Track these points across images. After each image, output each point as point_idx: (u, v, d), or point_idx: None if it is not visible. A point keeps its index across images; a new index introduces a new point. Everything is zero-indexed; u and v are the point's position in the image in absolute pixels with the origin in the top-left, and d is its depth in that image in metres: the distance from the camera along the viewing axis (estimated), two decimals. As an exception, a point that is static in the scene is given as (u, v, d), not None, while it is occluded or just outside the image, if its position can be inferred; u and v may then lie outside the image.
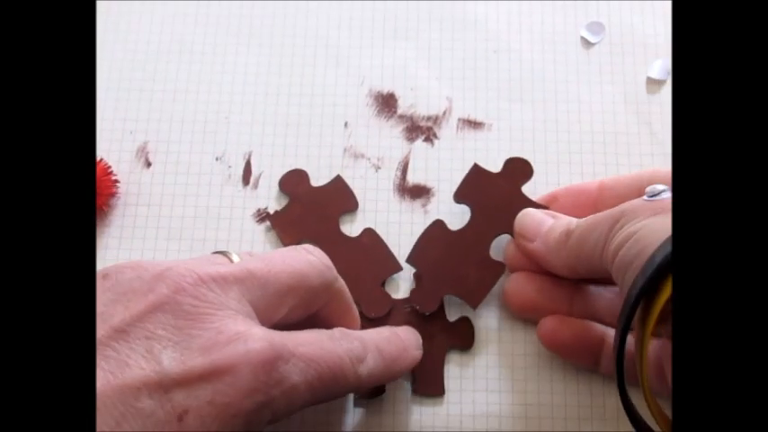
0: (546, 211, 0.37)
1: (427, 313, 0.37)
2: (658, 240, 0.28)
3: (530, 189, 0.40)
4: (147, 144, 0.42)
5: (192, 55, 0.44)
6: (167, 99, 0.43)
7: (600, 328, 0.35)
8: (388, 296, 0.38)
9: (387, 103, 0.43)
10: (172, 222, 0.40)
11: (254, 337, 0.26)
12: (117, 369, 0.24)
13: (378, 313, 0.37)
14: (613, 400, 0.36)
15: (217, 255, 0.30)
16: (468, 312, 0.38)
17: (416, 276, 0.38)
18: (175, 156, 0.42)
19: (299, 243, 0.36)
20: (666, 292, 0.27)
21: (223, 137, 0.42)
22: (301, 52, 0.44)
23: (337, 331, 0.30)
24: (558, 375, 0.37)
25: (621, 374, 0.29)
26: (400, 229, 0.40)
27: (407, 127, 0.42)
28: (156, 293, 0.26)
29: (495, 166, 0.40)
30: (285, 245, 0.38)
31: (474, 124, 0.42)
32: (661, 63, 0.44)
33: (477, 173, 0.40)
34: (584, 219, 0.34)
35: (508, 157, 0.40)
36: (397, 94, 0.43)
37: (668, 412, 0.30)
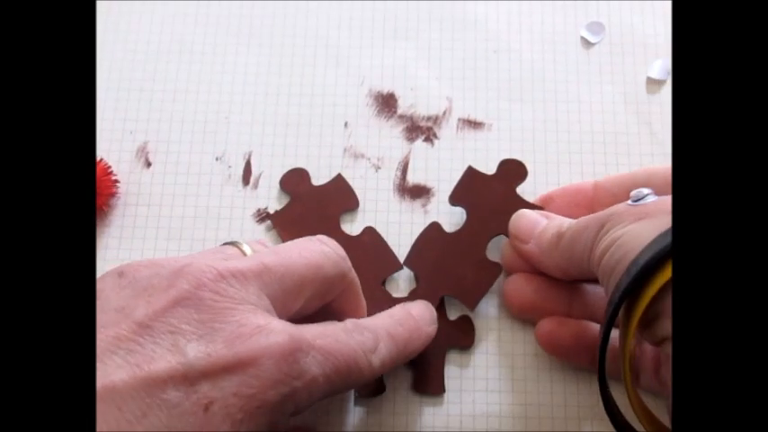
0: (540, 212, 0.37)
1: (427, 313, 0.37)
2: (640, 246, 0.28)
3: (530, 189, 0.40)
4: (147, 144, 0.42)
5: (192, 55, 0.44)
6: (167, 99, 0.43)
7: (598, 328, 0.35)
8: (389, 295, 0.38)
9: (387, 103, 0.43)
10: (172, 222, 0.40)
11: (275, 330, 0.27)
12: (143, 362, 0.24)
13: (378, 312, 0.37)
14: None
15: (227, 246, 0.30)
16: (467, 312, 0.38)
17: (416, 277, 0.38)
18: (175, 156, 0.42)
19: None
20: (648, 295, 0.27)
21: (223, 137, 0.42)
22: (301, 52, 0.44)
23: (349, 323, 0.31)
24: (558, 375, 0.37)
25: (603, 373, 0.29)
26: (400, 229, 0.40)
27: (407, 127, 0.42)
28: (178, 289, 0.27)
29: (494, 165, 0.40)
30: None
31: (474, 124, 0.42)
32: (661, 63, 0.44)
33: (471, 175, 0.40)
34: (575, 221, 0.34)
35: (508, 157, 0.40)
36: (397, 94, 0.43)
37: (655, 412, 0.30)
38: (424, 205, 0.41)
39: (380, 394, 0.36)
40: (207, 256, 0.29)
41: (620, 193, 0.35)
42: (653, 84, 0.43)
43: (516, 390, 0.36)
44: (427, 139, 0.42)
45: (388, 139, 0.42)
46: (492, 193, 0.39)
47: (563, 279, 0.36)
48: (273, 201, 0.41)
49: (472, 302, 0.37)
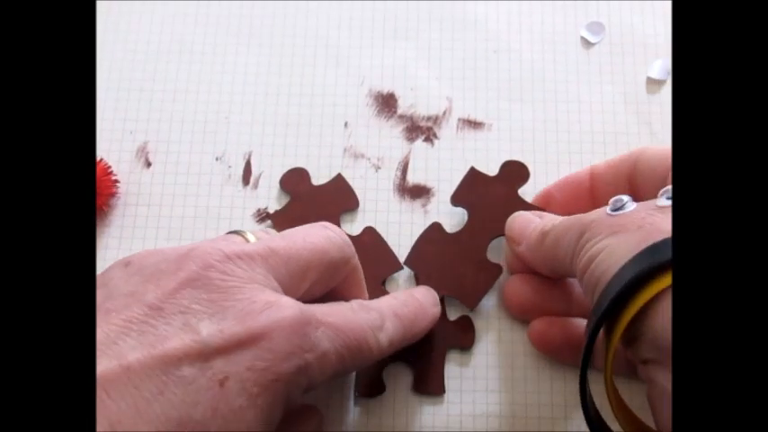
0: (535, 212, 0.37)
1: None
2: (616, 265, 0.27)
3: (530, 190, 0.40)
4: (147, 144, 0.42)
5: (192, 55, 0.44)
6: (167, 99, 0.43)
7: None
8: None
9: (387, 103, 0.43)
10: (172, 222, 0.40)
11: (285, 305, 0.27)
12: (156, 342, 0.25)
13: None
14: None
15: (232, 234, 0.30)
16: (467, 312, 0.38)
17: (416, 277, 0.38)
18: (175, 156, 0.42)
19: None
20: (625, 320, 0.27)
21: (223, 137, 0.42)
22: (301, 52, 0.45)
23: (355, 303, 0.31)
24: (558, 375, 0.37)
25: (585, 386, 0.29)
26: (400, 229, 0.40)
27: (407, 127, 0.42)
28: (186, 270, 0.27)
29: (494, 165, 0.40)
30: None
31: (474, 124, 0.42)
32: (661, 63, 0.44)
33: (473, 176, 0.40)
34: (559, 221, 0.34)
35: (508, 157, 0.41)
36: (397, 94, 0.43)
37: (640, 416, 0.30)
38: (423, 205, 0.41)
39: (380, 394, 0.36)
40: (213, 242, 0.29)
41: (615, 178, 0.35)
42: (653, 84, 0.43)
43: (516, 390, 0.36)
44: (427, 139, 0.42)
45: (388, 139, 0.42)
46: (494, 195, 0.39)
47: (554, 277, 0.36)
48: (273, 201, 0.41)
49: (472, 302, 0.37)
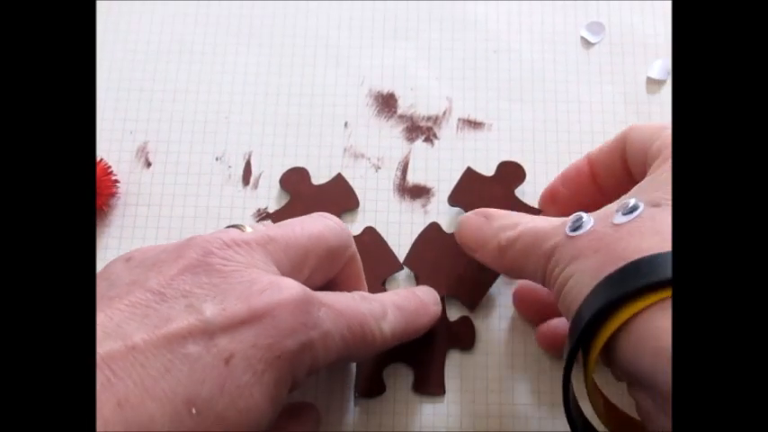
0: (479, 213, 0.35)
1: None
2: (581, 295, 0.27)
3: (530, 189, 0.40)
4: (147, 144, 0.42)
5: (192, 55, 0.44)
6: (167, 99, 0.43)
7: None
8: (389, 296, 0.38)
9: (387, 103, 0.43)
10: (172, 222, 0.40)
11: (287, 285, 0.28)
12: (160, 323, 0.25)
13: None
14: (614, 401, 0.36)
15: (231, 228, 0.30)
16: (467, 312, 0.38)
17: (416, 277, 0.38)
18: (175, 156, 0.42)
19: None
20: (597, 347, 0.27)
21: (223, 137, 0.42)
22: (301, 52, 0.45)
23: (357, 294, 0.32)
24: (559, 375, 0.36)
25: (568, 400, 0.29)
26: (400, 229, 0.40)
27: (407, 127, 0.42)
28: (187, 258, 0.27)
29: (494, 165, 0.40)
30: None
31: (474, 124, 0.42)
32: (661, 63, 0.44)
33: (470, 176, 0.40)
34: (515, 234, 0.32)
35: (508, 157, 0.41)
36: (397, 94, 0.43)
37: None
38: (423, 205, 0.41)
39: (380, 394, 0.36)
40: (212, 233, 0.29)
41: (611, 162, 0.35)
42: (653, 84, 0.43)
43: (516, 390, 0.36)
44: (427, 139, 0.42)
45: (388, 139, 0.42)
46: (490, 195, 0.39)
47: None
48: (273, 200, 0.41)
49: (472, 303, 0.37)
